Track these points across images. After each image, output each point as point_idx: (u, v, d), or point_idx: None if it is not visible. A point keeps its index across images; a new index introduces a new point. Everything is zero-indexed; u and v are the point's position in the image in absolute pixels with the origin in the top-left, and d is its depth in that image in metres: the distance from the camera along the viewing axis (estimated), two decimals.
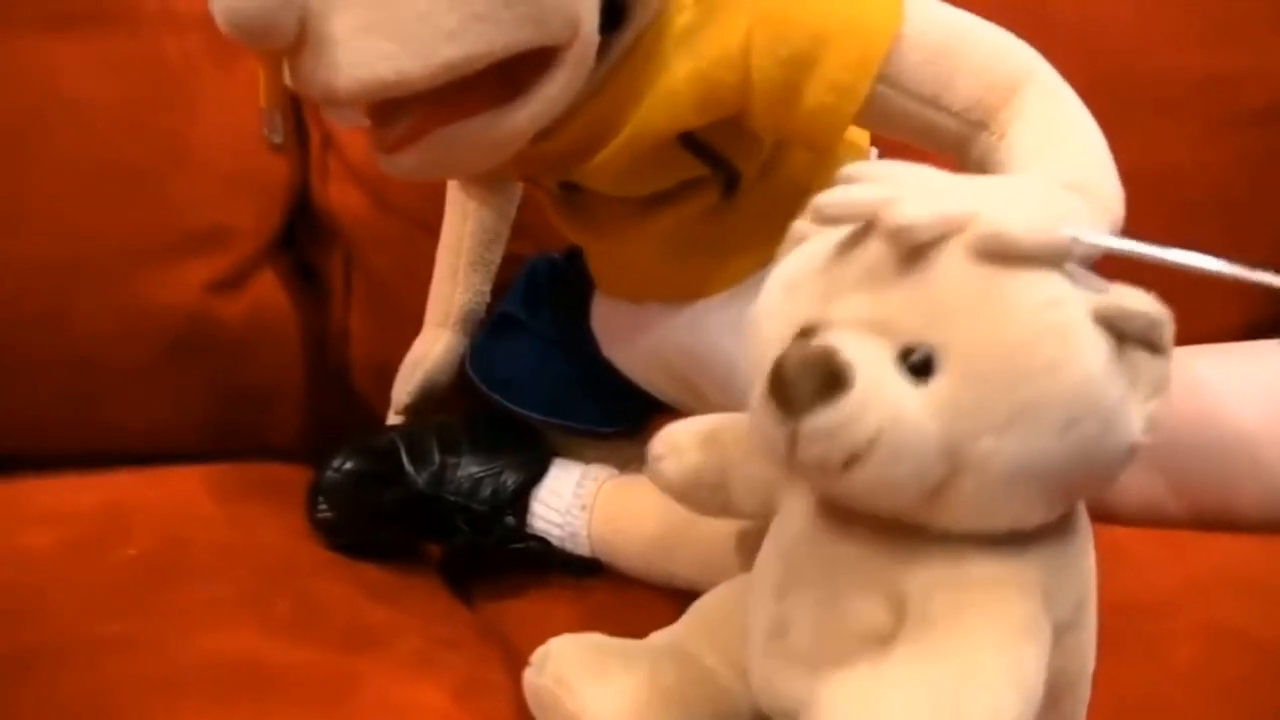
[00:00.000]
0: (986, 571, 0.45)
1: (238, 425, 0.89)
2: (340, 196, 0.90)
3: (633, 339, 0.74)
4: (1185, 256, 0.44)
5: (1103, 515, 0.53)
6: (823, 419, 0.41)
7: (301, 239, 0.92)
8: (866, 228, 0.45)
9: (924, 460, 0.42)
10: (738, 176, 0.66)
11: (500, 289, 0.84)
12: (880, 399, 0.42)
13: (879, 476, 0.42)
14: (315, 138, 0.90)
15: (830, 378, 0.41)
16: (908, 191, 0.44)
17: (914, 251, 0.43)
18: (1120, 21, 0.95)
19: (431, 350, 0.83)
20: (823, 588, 0.48)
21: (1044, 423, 0.42)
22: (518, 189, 0.83)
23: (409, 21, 0.53)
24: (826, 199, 0.45)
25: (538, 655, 0.58)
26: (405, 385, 0.84)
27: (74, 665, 0.59)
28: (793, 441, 0.42)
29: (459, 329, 0.84)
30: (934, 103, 0.58)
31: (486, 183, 0.82)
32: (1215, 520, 0.74)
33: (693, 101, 0.60)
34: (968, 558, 0.45)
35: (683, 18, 0.61)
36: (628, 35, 0.60)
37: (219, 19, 0.52)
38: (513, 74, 0.56)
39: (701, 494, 0.59)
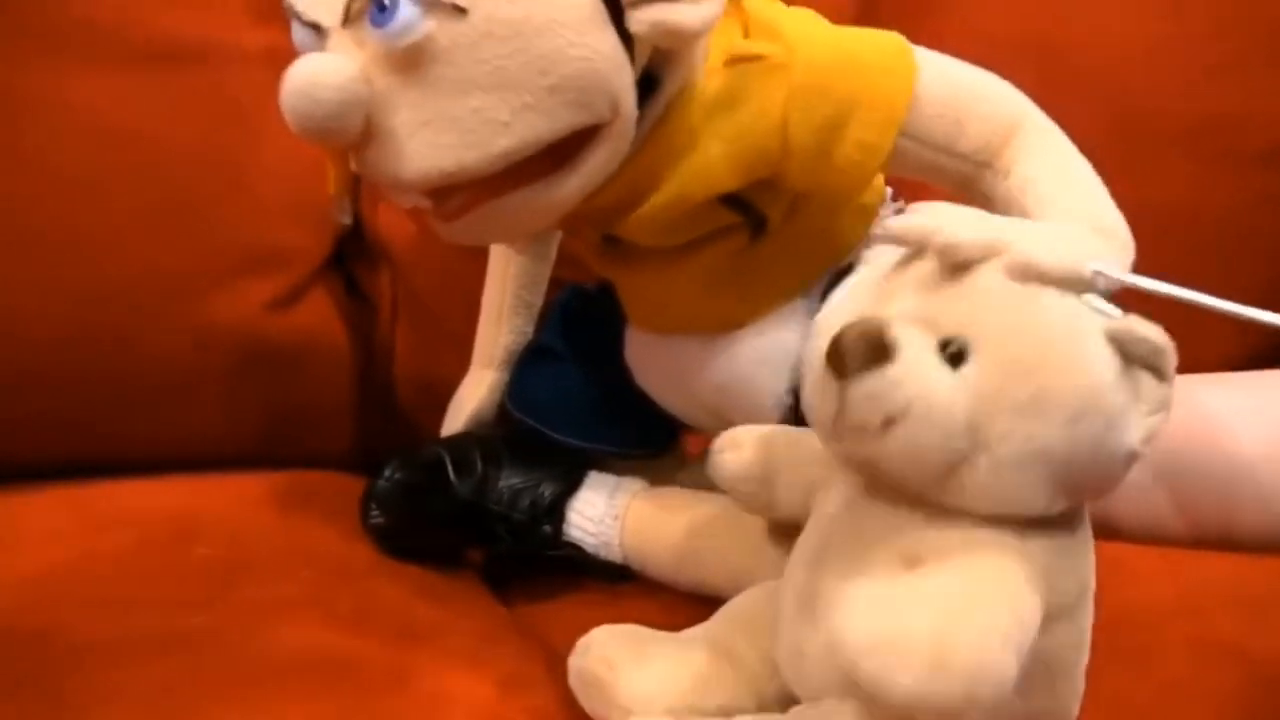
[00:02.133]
0: (995, 538, 0.50)
1: (290, 435, 0.90)
2: (388, 221, 0.92)
3: (665, 370, 0.76)
4: (1197, 296, 0.49)
5: (1106, 530, 0.57)
6: (869, 383, 0.48)
7: (351, 260, 0.94)
8: (920, 251, 0.52)
9: (950, 431, 0.48)
10: (765, 221, 0.68)
11: (541, 313, 0.85)
12: (919, 372, 0.48)
13: (911, 440, 0.48)
14: None
15: (879, 349, 0.48)
16: (957, 221, 0.51)
17: (959, 267, 0.50)
18: (1123, 63, 0.96)
19: (478, 391, 0.84)
20: (849, 557, 0.53)
21: (1054, 413, 0.48)
22: (557, 234, 0.85)
23: (465, 116, 0.56)
24: (893, 222, 0.52)
25: (581, 643, 0.61)
26: (454, 424, 0.84)
27: (157, 654, 0.62)
28: (842, 403, 0.48)
29: (504, 368, 0.85)
30: (947, 149, 0.63)
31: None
32: (1216, 540, 0.76)
33: (731, 170, 0.64)
34: (980, 530, 0.50)
35: (713, 84, 0.63)
36: (659, 102, 0.63)
37: (291, 123, 0.56)
38: (561, 148, 0.59)
39: (750, 487, 0.64)
